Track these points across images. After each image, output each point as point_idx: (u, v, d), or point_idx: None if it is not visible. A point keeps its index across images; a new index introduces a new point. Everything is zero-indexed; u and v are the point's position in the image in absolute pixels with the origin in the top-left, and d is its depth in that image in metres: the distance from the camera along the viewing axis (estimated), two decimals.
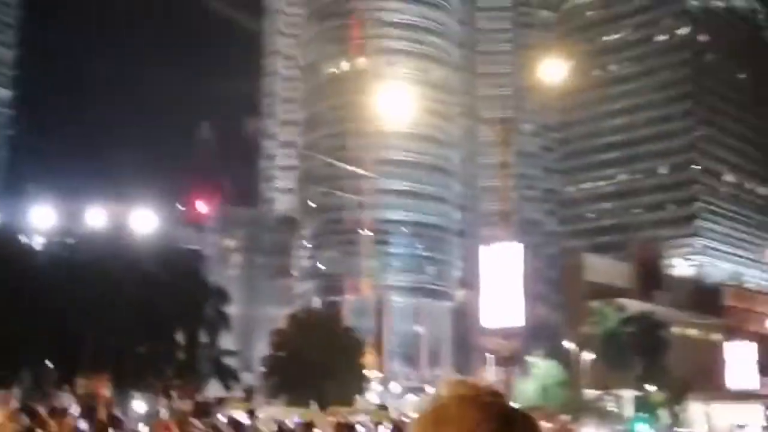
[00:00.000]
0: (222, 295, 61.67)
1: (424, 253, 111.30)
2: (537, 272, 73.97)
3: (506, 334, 69.05)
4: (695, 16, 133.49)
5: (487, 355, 72.06)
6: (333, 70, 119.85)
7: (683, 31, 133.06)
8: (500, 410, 1.98)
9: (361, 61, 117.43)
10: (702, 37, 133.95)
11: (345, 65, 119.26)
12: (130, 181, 79.08)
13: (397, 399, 74.47)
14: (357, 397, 61.46)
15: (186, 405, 53.82)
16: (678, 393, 74.62)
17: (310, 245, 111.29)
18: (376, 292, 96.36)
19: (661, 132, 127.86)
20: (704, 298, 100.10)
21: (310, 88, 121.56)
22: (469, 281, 73.29)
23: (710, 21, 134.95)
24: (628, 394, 73.42)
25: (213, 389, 57.14)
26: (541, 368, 76.64)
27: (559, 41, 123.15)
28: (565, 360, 76.56)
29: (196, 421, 22.37)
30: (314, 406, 57.77)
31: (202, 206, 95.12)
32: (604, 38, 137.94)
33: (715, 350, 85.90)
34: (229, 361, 61.27)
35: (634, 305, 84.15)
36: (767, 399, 79.87)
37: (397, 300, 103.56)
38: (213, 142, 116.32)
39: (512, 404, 2.01)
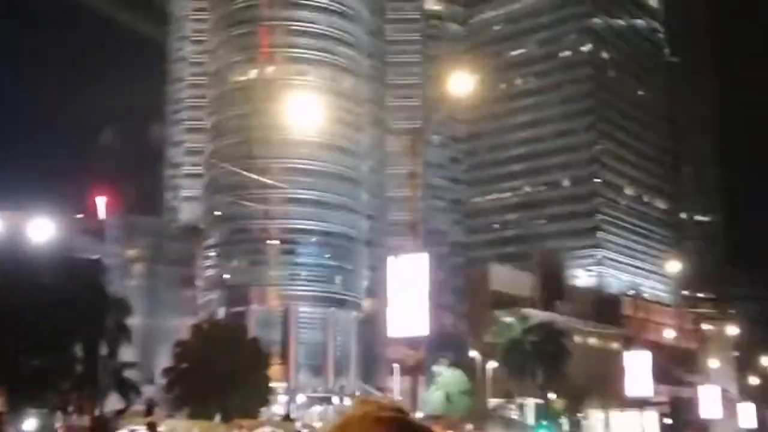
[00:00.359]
0: (123, 306, 60.14)
1: (332, 263, 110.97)
2: (443, 282, 74.69)
3: (412, 343, 69.47)
4: (598, 34, 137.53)
5: (394, 364, 72.29)
6: (241, 77, 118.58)
7: (586, 47, 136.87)
8: (402, 426, 2.07)
9: (270, 70, 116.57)
10: (604, 54, 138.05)
11: (253, 73, 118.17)
12: (30, 190, 76.55)
13: (304, 410, 73.96)
14: (262, 408, 60.76)
15: (84, 420, 52.24)
16: (578, 400, 76.35)
17: (215, 254, 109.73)
18: (283, 302, 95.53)
19: (564, 145, 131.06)
20: (604, 308, 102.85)
21: (217, 95, 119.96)
22: (377, 291, 73.48)
23: (613, 38, 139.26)
24: (531, 402, 74.67)
25: (113, 402, 55.64)
26: (446, 377, 77.32)
27: (467, 54, 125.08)
28: (470, 369, 77.40)
29: None
30: (218, 418, 56.87)
31: (103, 214, 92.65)
32: (511, 53, 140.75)
33: (614, 359, 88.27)
34: (130, 374, 59.77)
35: (536, 314, 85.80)
36: (661, 406, 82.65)
37: (304, 310, 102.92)
38: (117, 149, 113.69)
39: (414, 419, 2.10)
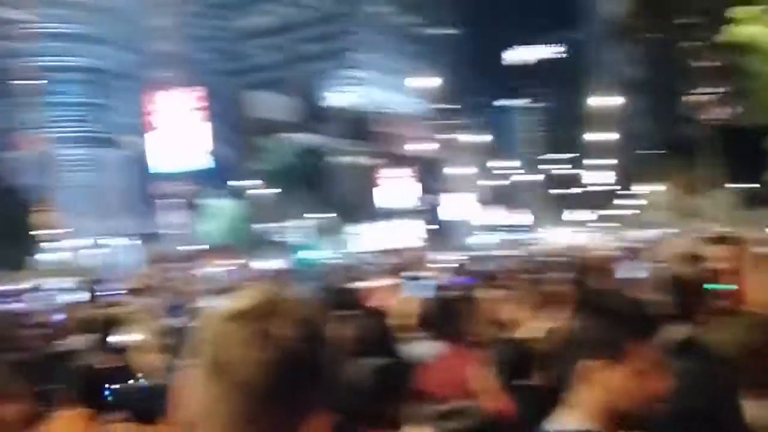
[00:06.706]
0: None
1: (92, 100, 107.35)
2: (211, 112, 75.41)
3: (184, 177, 71.54)
4: None
5: (166, 200, 74.06)
6: None
7: None
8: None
9: None
10: None
11: None
12: None
13: (80, 253, 74.08)
14: (28, 258, 58.48)
15: None
16: (344, 217, 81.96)
17: None
18: (43, 146, 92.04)
19: None
20: (361, 126, 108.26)
21: None
22: (141, 126, 73.32)
23: None
24: (302, 224, 78.86)
25: None
26: (222, 208, 79.96)
27: None
28: (244, 197, 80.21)
29: None
30: None
31: None
32: None
33: (373, 174, 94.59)
34: None
35: (301, 138, 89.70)
36: (424, 213, 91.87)
37: (66, 152, 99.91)
38: None
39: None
